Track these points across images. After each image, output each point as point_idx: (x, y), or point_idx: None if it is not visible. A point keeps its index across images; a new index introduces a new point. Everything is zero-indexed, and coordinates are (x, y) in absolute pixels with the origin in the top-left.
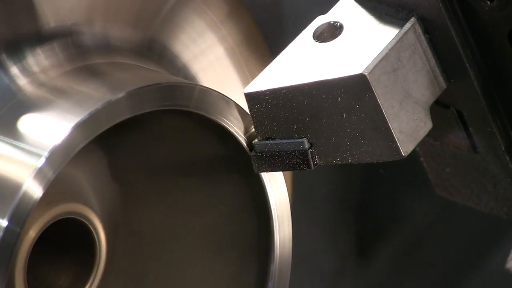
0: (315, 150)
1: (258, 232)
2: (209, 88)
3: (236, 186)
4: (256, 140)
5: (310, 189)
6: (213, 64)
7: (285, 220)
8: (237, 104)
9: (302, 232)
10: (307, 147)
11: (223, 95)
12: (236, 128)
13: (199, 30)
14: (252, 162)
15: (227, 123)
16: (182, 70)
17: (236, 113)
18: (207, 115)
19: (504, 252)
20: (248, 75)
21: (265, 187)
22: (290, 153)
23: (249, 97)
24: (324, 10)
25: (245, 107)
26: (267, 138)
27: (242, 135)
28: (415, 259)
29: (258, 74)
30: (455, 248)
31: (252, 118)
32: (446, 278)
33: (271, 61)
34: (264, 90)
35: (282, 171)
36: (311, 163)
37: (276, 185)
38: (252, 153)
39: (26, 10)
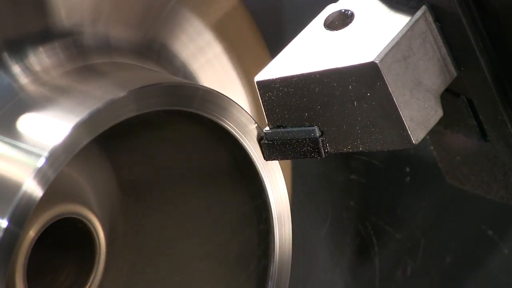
0: (326, 138)
1: (258, 232)
2: (212, 89)
3: (236, 187)
4: (266, 128)
5: (310, 189)
6: (211, 62)
7: (285, 220)
8: (239, 105)
9: (302, 232)
10: (318, 135)
11: (225, 96)
12: (237, 129)
13: (198, 29)
14: (263, 151)
15: (228, 124)
16: (181, 69)
17: (237, 113)
18: (209, 116)
19: (503, 252)
20: (246, 73)
21: (265, 187)
22: (301, 141)
23: (260, 85)
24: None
25: (244, 106)
26: (278, 126)
27: (243, 136)
28: (415, 259)
29: (257, 72)
30: (455, 248)
31: (263, 106)
32: (446, 278)
33: (270, 60)
34: (275, 78)
35: (292, 159)
36: (322, 151)
37: (276, 185)
38: (263, 141)
39: (39, 7)
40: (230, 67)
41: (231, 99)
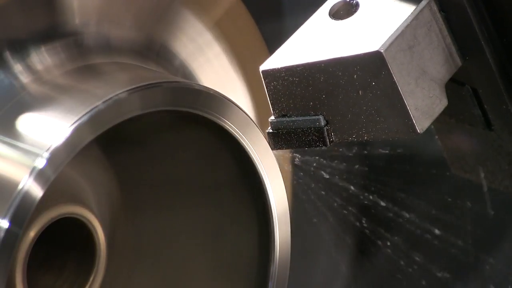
0: (331, 127)
1: (258, 232)
2: (212, 90)
3: (236, 187)
4: (271, 117)
5: (309, 190)
6: (211, 62)
7: (284, 220)
8: (239, 106)
9: (301, 232)
10: (323, 124)
11: (225, 97)
12: (237, 130)
13: (198, 29)
14: (268, 140)
15: (229, 125)
16: (180, 69)
17: (237, 115)
18: (209, 117)
19: (504, 253)
20: (246, 73)
21: (265, 187)
22: (306, 130)
23: (265, 74)
24: None
25: (244, 105)
26: (283, 116)
27: (243, 136)
28: (415, 259)
29: (256, 72)
30: (455, 248)
31: (268, 95)
32: (446, 279)
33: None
34: (280, 68)
35: (298, 148)
36: (327, 140)
37: (276, 185)
38: (268, 131)
39: (50, 6)
40: (229, 67)
41: (231, 100)
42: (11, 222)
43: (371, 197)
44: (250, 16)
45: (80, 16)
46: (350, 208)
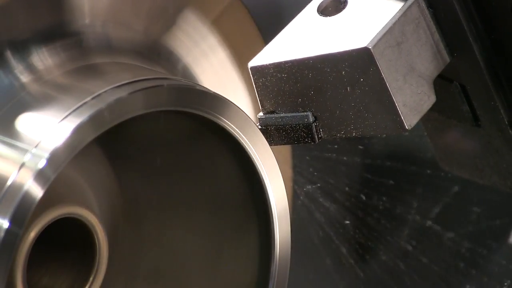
0: (320, 124)
1: (258, 232)
2: (213, 92)
3: (236, 187)
4: (260, 113)
5: (309, 190)
6: (214, 66)
7: (284, 219)
8: (239, 108)
9: (301, 232)
10: (311, 120)
11: (226, 98)
12: (237, 130)
13: (200, 32)
14: None
15: (229, 125)
16: (180, 70)
17: (237, 115)
18: (210, 117)
19: (503, 254)
20: (245, 72)
21: (265, 187)
22: (294, 126)
23: (254, 70)
24: None
25: (245, 106)
26: (272, 112)
27: (243, 136)
28: (415, 260)
29: None
30: (455, 248)
31: (257, 92)
32: (446, 279)
33: None
34: (269, 64)
35: (286, 144)
36: (316, 136)
37: (275, 185)
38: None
39: (56, 7)
40: (230, 67)
41: (231, 102)
42: (11, 222)
43: (371, 195)
44: (250, 16)
45: (90, 16)
46: (349, 206)
